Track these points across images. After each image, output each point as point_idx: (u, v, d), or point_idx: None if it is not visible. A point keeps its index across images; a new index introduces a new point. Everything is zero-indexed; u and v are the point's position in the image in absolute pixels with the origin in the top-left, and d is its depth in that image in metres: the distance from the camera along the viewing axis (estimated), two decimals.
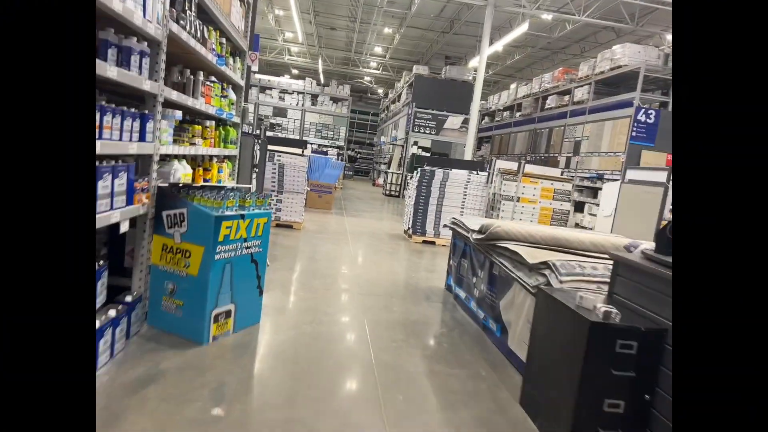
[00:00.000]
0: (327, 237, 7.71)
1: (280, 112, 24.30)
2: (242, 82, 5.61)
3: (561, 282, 3.02)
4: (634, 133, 13.10)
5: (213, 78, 4.58)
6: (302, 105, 24.38)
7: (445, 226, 5.68)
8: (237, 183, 5.58)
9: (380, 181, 22.01)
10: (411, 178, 8.78)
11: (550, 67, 20.06)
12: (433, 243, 8.12)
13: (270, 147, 7.81)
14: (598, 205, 9.72)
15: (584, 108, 15.70)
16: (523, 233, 3.84)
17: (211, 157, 4.91)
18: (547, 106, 18.23)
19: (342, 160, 21.96)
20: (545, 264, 3.21)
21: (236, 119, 5.52)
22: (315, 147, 22.64)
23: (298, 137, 23.54)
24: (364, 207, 13.06)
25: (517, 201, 7.92)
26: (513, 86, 21.95)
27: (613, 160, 13.85)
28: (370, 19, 18.11)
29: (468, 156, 14.55)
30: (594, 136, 15.00)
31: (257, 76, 23.74)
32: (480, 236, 4.06)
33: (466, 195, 8.11)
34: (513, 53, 20.21)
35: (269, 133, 20.79)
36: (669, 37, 15.66)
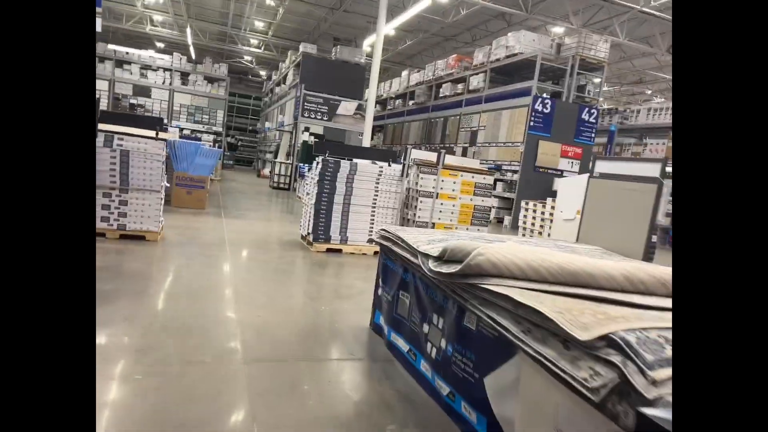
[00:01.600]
0: (196, 252, 5.56)
1: (143, 91, 20.51)
2: None
3: (652, 382, 1.52)
4: (531, 123, 12.60)
5: None
6: (170, 84, 20.83)
7: (371, 240, 3.99)
8: None
9: (266, 171, 19.58)
10: (308, 170, 6.91)
11: (441, 54, 19.30)
12: (339, 251, 6.39)
13: (103, 127, 5.39)
14: (543, 203, 8.73)
15: (480, 96, 15.00)
16: (522, 266, 2.29)
17: None
18: (441, 95, 17.38)
19: (219, 148, 19.10)
20: (607, 340, 1.69)
21: None
22: (186, 132, 19.39)
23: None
24: (249, 204, 10.83)
25: (436, 197, 6.52)
26: (405, 73, 20.86)
27: (512, 151, 13.28)
28: None
29: (365, 145, 12.99)
30: (491, 126, 14.34)
31: (111, 46, 19.64)
32: (448, 270, 2.44)
33: (377, 191, 6.49)
34: (405, 38, 19.05)
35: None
36: (556, 29, 15.60)
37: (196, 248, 5.71)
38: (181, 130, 18.52)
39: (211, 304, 3.89)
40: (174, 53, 20.91)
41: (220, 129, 21.47)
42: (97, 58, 19.90)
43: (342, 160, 6.31)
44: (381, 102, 21.44)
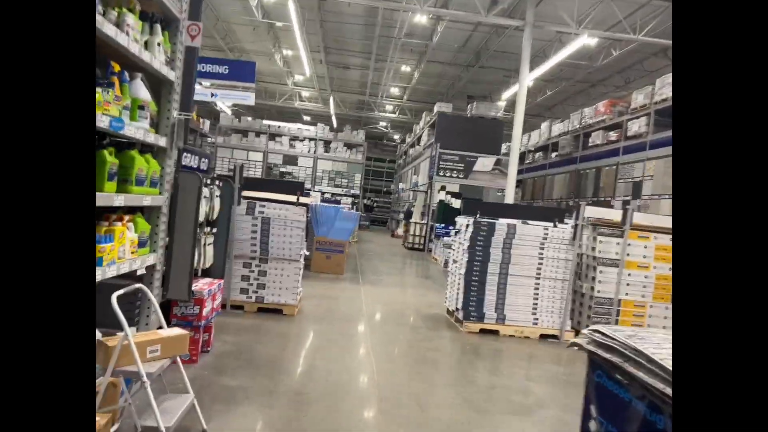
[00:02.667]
0: (333, 330, 4.86)
1: (291, 160, 22.10)
2: (172, 74, 2.99)
3: None
4: None
5: None
6: (314, 152, 22.19)
7: (574, 345, 2.79)
8: (160, 260, 2.87)
9: (399, 231, 19.29)
10: (454, 233, 5.98)
11: (586, 102, 17.58)
12: (495, 333, 5.21)
13: (247, 194, 5.16)
14: None
15: (643, 143, 12.90)
16: None
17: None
18: (590, 144, 15.53)
19: (357, 210, 19.40)
20: None
21: (157, 138, 2.87)
22: (327, 196, 20.17)
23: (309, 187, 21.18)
24: (385, 267, 10.23)
25: (622, 266, 5.05)
26: (545, 125, 19.39)
27: None
28: (386, 55, 16.01)
29: (508, 201, 11.78)
30: (661, 175, 12.10)
31: (265, 121, 21.75)
32: None
33: (542, 258, 5.26)
34: (544, 89, 17.84)
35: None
36: None
37: (334, 325, 5.02)
38: (323, 194, 19.35)
39: (349, 411, 3.01)
40: (318, 124, 22.40)
41: (358, 192, 22.03)
42: (253, 133, 22.19)
43: (497, 222, 5.27)
44: (518, 156, 20.17)
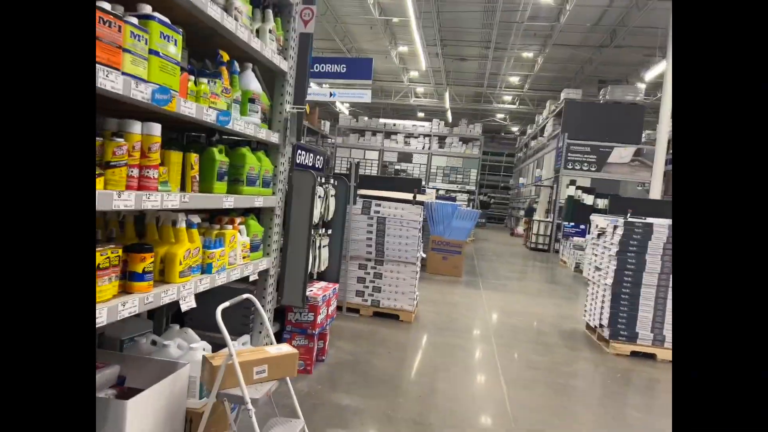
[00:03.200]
0: (455, 344, 4.37)
1: (405, 157, 22.04)
2: (284, 64, 2.75)
3: None
4: None
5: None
6: (428, 148, 21.85)
7: None
8: (274, 264, 2.65)
9: (519, 230, 18.07)
10: (597, 235, 5.09)
11: None
12: (651, 357, 4.28)
13: (363, 192, 4.89)
14: None
15: None
16: None
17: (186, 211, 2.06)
18: None
19: (473, 207, 18.59)
20: None
21: (269, 134, 2.65)
22: (442, 193, 19.68)
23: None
24: (507, 270, 9.44)
25: None
26: None
27: None
28: (506, 42, 14.98)
29: (655, 197, 10.15)
30: None
31: (381, 120, 21.92)
32: None
33: None
34: None
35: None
36: None
37: (455, 338, 4.53)
38: (437, 190, 18.90)
39: None
40: (433, 119, 22.00)
41: (473, 188, 21.19)
42: (370, 132, 22.53)
43: (654, 223, 4.32)
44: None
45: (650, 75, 12.50)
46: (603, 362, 4.16)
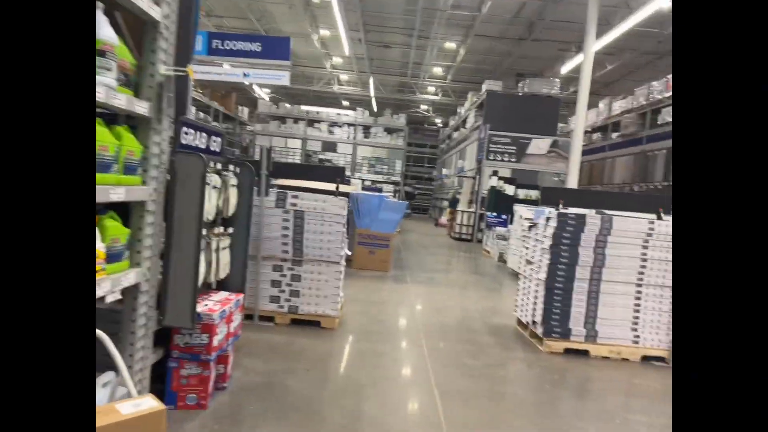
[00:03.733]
0: (383, 352, 3.90)
1: (330, 146, 21.34)
2: (156, 11, 2.04)
3: None
4: None
5: None
6: (353, 138, 21.31)
7: None
8: (148, 276, 1.96)
9: (443, 220, 18.17)
10: (529, 227, 4.87)
11: (652, 76, 15.73)
12: (584, 354, 4.11)
13: (278, 182, 4.25)
14: None
15: None
16: None
17: None
18: (661, 122, 13.80)
19: (399, 198, 18.40)
20: None
21: (131, 103, 1.93)
22: (368, 183, 19.27)
23: (349, 174, 20.34)
24: (433, 262, 9.19)
25: None
26: (604, 103, 17.62)
27: None
28: (430, 30, 14.76)
29: (572, 186, 10.43)
30: None
31: (303, 107, 20.99)
32: None
33: (645, 260, 4.09)
34: (604, 62, 16.07)
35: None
36: None
37: (383, 343, 4.06)
38: (363, 181, 18.43)
39: None
40: (357, 108, 21.46)
41: (399, 178, 21.04)
42: (291, 119, 21.50)
43: (587, 215, 4.13)
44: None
45: (565, 68, 12.88)
46: (538, 362, 3.90)
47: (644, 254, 4.10)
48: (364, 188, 11.26)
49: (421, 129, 28.49)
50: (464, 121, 18.25)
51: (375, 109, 22.06)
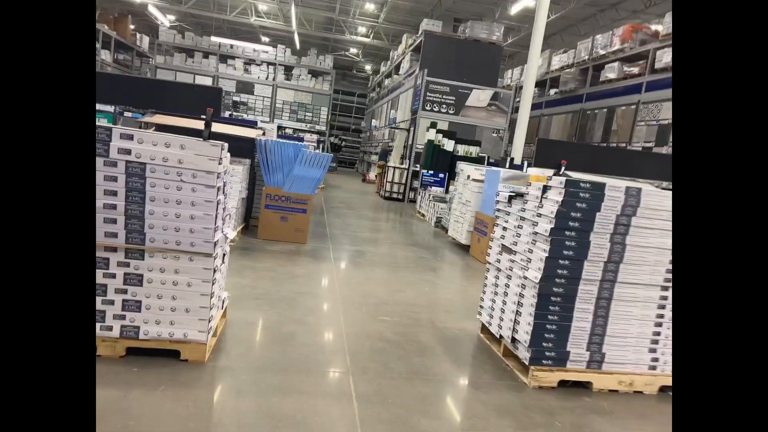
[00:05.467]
0: (282, 411, 2.25)
1: (246, 87, 18.57)
2: None
3: None
4: None
5: None
6: (273, 79, 18.66)
7: None
8: None
9: (371, 176, 16.56)
10: (508, 198, 3.35)
11: (593, 30, 14.81)
12: (585, 387, 2.79)
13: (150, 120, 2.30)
14: None
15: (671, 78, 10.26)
16: None
17: None
18: (603, 78, 12.92)
19: (323, 150, 16.41)
20: None
21: None
22: (289, 132, 16.98)
23: (268, 120, 17.80)
24: (363, 229, 7.60)
25: None
26: (542, 57, 16.50)
27: None
28: None
29: (519, 149, 9.20)
30: None
31: (215, 38, 17.79)
32: None
33: None
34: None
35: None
36: None
37: (288, 390, 2.41)
38: (283, 129, 16.10)
39: None
40: (278, 46, 18.68)
41: (324, 128, 18.93)
42: (201, 53, 18.25)
43: (608, 186, 2.67)
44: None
45: (516, 8, 11.37)
46: (526, 410, 2.50)
47: None
48: (282, 136, 9.17)
49: (349, 75, 26.11)
50: (398, 67, 16.38)
51: (298, 47, 19.34)
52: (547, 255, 2.64)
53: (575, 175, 2.94)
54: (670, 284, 2.79)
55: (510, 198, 3.13)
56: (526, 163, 8.04)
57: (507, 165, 8.05)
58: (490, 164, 9.49)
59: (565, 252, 2.65)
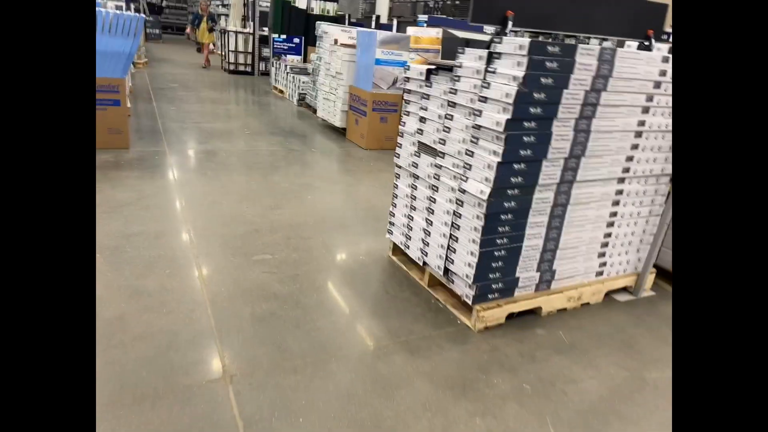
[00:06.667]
0: None
1: None
2: None
3: None
4: None
5: None
6: None
7: None
8: None
9: (211, 46, 13.56)
10: (429, 75, 2.30)
11: None
12: (532, 314, 2.25)
13: None
14: None
15: None
16: None
17: None
18: None
19: (137, 11, 12.70)
20: None
21: None
22: None
23: None
24: (209, 117, 5.92)
25: None
26: None
27: None
28: None
29: (384, 4, 7.78)
30: None
31: None
32: None
33: (640, 137, 2.16)
34: None
35: None
36: None
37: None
38: None
39: None
40: None
41: None
42: None
43: (579, 49, 1.80)
44: None
45: None
46: (483, 374, 1.87)
47: (641, 124, 2.13)
48: None
49: None
50: None
51: None
52: (499, 160, 1.79)
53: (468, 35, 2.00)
54: (629, 173, 2.22)
55: (429, 73, 2.11)
56: (395, 22, 6.82)
57: (373, 25, 6.77)
58: (352, 24, 8.02)
59: (522, 152, 1.82)
